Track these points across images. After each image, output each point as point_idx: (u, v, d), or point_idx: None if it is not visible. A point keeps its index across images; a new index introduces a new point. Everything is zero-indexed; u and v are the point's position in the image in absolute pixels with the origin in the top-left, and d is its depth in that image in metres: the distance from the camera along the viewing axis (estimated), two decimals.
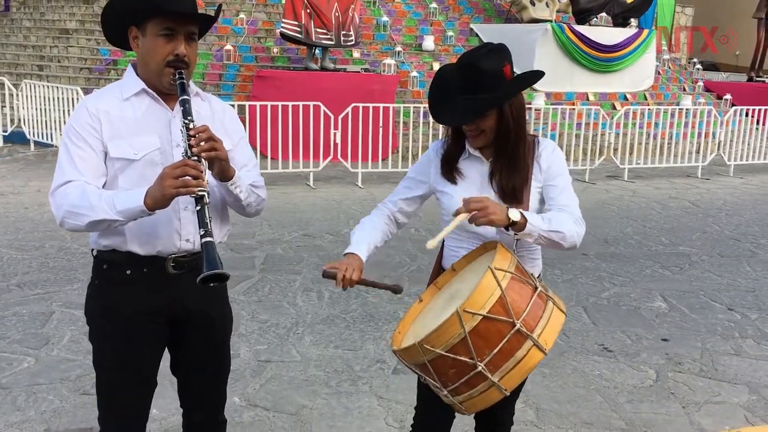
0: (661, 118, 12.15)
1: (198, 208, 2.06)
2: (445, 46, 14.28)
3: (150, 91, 2.25)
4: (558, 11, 15.52)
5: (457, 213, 2.15)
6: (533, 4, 14.85)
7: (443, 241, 2.48)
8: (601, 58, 13.85)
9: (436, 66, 13.01)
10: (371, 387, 3.99)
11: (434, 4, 15.03)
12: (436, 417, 2.50)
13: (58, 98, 10.92)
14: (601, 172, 11.39)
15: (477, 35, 14.69)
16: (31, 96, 11.38)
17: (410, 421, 2.62)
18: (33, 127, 11.43)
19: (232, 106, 3.13)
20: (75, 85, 11.36)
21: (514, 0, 15.26)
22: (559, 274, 6.10)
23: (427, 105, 2.51)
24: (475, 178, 2.38)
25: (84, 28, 14.27)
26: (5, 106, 11.64)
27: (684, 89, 15.89)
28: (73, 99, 10.65)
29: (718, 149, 12.41)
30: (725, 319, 5.24)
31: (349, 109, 10.00)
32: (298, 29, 11.60)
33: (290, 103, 9.80)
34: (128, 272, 2.27)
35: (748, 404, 3.95)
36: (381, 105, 10.49)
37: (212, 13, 2.35)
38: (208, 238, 2.01)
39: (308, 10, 11.55)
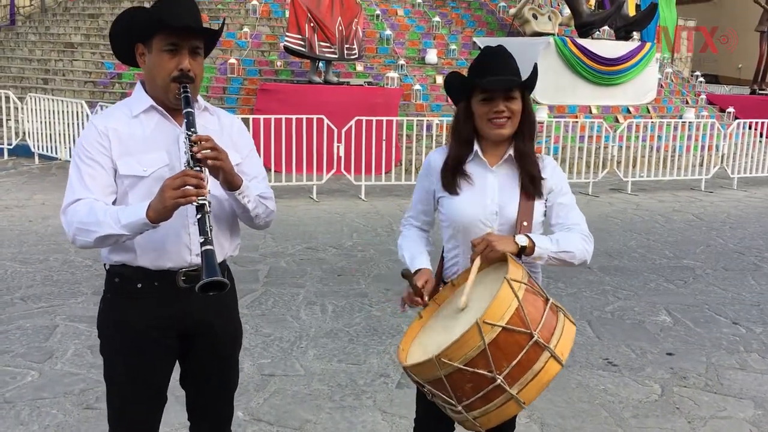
0: (664, 131, 12.16)
1: (198, 216, 2.07)
2: (448, 59, 14.32)
3: (158, 107, 2.28)
4: (560, 25, 15.57)
5: (471, 260, 2.26)
6: (536, 17, 14.92)
7: (441, 251, 2.56)
8: (603, 72, 13.86)
9: (439, 79, 13.05)
10: (375, 401, 3.98)
11: (437, 18, 15.08)
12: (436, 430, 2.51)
13: (62, 111, 10.97)
14: (604, 185, 11.39)
15: (480, 49, 14.72)
16: (35, 109, 11.43)
17: None
18: (38, 141, 11.48)
19: None
20: (80, 99, 11.41)
21: (516, 14, 15.34)
22: (563, 288, 6.09)
23: (447, 97, 2.60)
24: (480, 184, 2.42)
25: (89, 42, 14.35)
26: (10, 120, 11.69)
27: (687, 102, 15.90)
28: (77, 112, 10.70)
29: (722, 162, 12.39)
30: (730, 333, 5.22)
31: (352, 122, 10.02)
32: (302, 43, 11.65)
33: (294, 117, 9.82)
34: (139, 286, 2.28)
35: (753, 419, 3.93)
36: (384, 118, 10.49)
37: (216, 28, 2.37)
38: (208, 246, 2.02)
39: (312, 24, 11.60)
